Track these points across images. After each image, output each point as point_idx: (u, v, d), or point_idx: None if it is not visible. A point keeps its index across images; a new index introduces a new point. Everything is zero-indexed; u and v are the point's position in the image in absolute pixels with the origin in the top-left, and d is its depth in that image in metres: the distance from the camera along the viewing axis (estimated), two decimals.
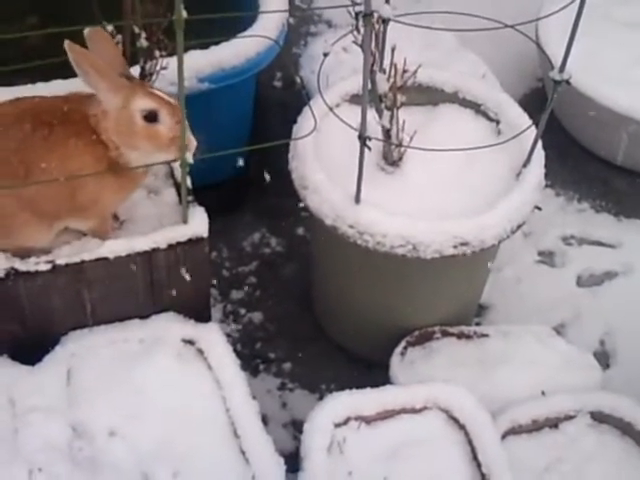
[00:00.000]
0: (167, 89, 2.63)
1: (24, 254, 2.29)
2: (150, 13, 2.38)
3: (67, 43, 2.10)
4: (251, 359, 2.98)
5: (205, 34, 2.60)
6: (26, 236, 2.29)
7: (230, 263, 3.24)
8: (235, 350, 2.48)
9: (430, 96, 2.87)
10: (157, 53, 2.43)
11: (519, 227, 2.57)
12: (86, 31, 2.18)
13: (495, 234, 2.52)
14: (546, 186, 2.71)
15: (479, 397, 2.47)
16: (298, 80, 3.33)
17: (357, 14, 2.14)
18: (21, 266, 2.27)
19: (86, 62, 2.14)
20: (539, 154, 2.65)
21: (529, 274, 3.27)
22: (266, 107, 3.65)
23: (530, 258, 3.33)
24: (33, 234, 2.29)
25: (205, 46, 2.84)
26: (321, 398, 2.81)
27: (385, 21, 2.48)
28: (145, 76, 2.43)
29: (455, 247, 2.48)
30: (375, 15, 2.15)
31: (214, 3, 3.36)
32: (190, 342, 2.45)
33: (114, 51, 2.23)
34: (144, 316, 2.49)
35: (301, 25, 4.16)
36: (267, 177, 3.03)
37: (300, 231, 3.36)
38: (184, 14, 1.95)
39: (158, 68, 2.41)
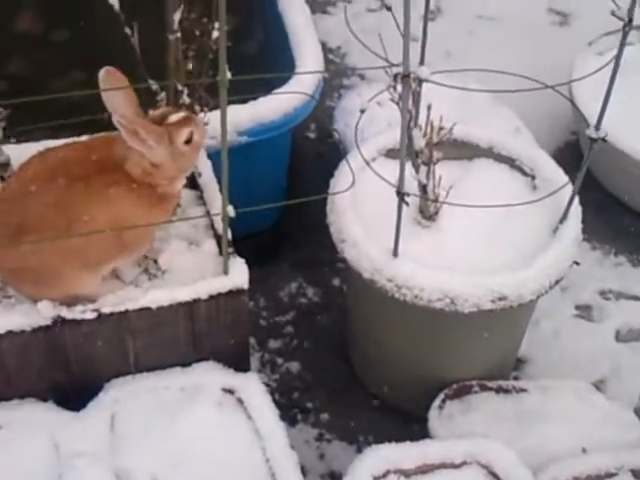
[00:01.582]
0: (207, 142, 2.71)
1: (71, 302, 2.34)
2: (193, 70, 2.45)
3: (118, 116, 2.15)
4: (289, 409, 3.00)
5: (244, 89, 2.67)
6: (73, 285, 2.33)
7: (267, 312, 3.28)
8: (273, 399, 2.49)
9: (465, 151, 2.91)
10: (198, 108, 2.50)
11: (557, 282, 2.58)
12: (101, 73, 2.21)
13: (533, 289, 2.54)
14: (582, 240, 2.72)
15: (518, 453, 2.46)
16: (336, 136, 3.38)
17: (395, 75, 2.18)
18: (67, 314, 2.31)
19: (136, 124, 2.20)
20: (576, 209, 2.67)
21: (567, 328, 3.26)
22: (301, 158, 3.70)
23: (568, 312, 3.32)
24: (80, 282, 2.34)
25: (244, 100, 2.92)
26: (359, 450, 2.83)
27: (421, 80, 2.53)
28: None
29: (493, 302, 2.50)
30: (412, 76, 2.20)
31: (252, 58, 3.46)
32: (230, 391, 2.48)
33: (129, 92, 2.25)
34: (185, 364, 2.52)
35: (334, 78, 4.22)
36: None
37: (336, 281, 3.39)
38: (228, 75, 2.02)
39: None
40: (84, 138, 2.44)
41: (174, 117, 2.29)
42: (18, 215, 2.25)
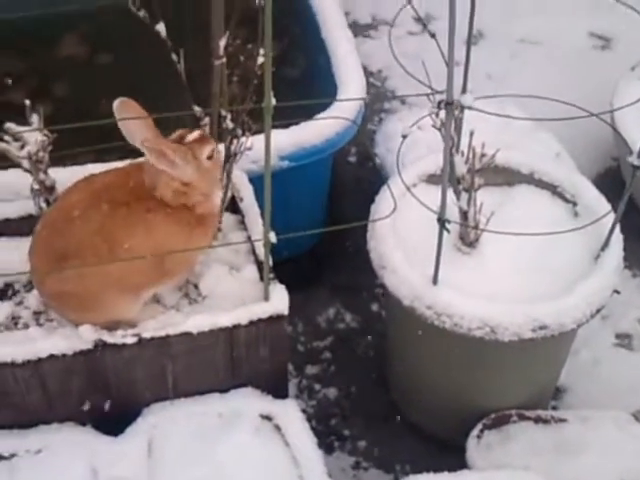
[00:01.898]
0: (249, 167, 2.74)
1: (112, 327, 2.35)
2: (237, 95, 2.46)
3: (143, 141, 2.19)
4: (326, 436, 2.99)
5: (286, 113, 2.68)
6: (114, 309, 2.35)
7: (305, 338, 3.28)
8: (310, 426, 2.49)
9: (506, 177, 2.90)
10: (240, 132, 2.50)
11: (598, 311, 2.56)
12: (115, 104, 2.24)
13: (574, 318, 2.52)
14: (623, 267, 2.70)
15: None
16: (377, 161, 3.38)
17: (439, 103, 2.18)
18: (109, 338, 2.33)
19: (161, 144, 2.23)
20: (617, 237, 2.65)
21: (607, 357, 3.23)
22: (341, 181, 3.71)
23: (608, 341, 3.29)
24: (121, 307, 2.36)
25: (286, 125, 2.92)
26: (396, 479, 2.82)
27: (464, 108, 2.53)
28: (230, 156, 2.50)
29: (534, 330, 2.48)
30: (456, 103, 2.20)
31: (295, 82, 3.47)
32: (268, 418, 2.48)
33: (147, 120, 2.28)
34: (223, 390, 2.53)
35: (375, 101, 4.23)
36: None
37: (375, 307, 3.38)
38: (273, 101, 2.03)
39: (243, 149, 2.48)
40: (125, 163, 2.47)
41: (191, 136, 2.33)
42: (61, 241, 2.28)
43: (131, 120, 2.24)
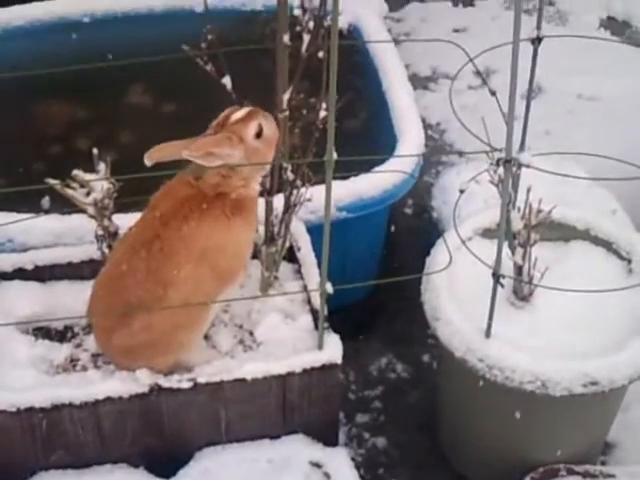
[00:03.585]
0: (307, 217, 2.78)
1: (168, 371, 2.40)
2: (297, 145, 2.51)
3: (185, 154, 2.22)
4: None
5: (345, 165, 2.73)
6: (185, 343, 2.41)
7: (356, 386, 3.29)
8: (359, 475, 2.52)
9: (562, 233, 2.92)
10: (299, 182, 2.55)
11: None
12: (146, 157, 2.27)
13: (626, 374, 2.52)
14: None
15: None
16: (434, 215, 3.41)
17: (497, 160, 2.22)
18: (164, 383, 2.38)
19: (203, 146, 2.24)
20: None
21: None
22: (397, 231, 3.74)
23: None
24: (193, 335, 2.42)
25: (345, 176, 2.97)
26: None
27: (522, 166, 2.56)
28: (289, 206, 2.55)
29: (585, 386, 2.49)
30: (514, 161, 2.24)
31: (355, 134, 3.53)
32: (317, 465, 2.51)
33: (169, 144, 2.31)
34: (274, 436, 2.56)
35: (433, 154, 4.27)
36: None
37: (426, 358, 3.39)
38: (335, 155, 2.08)
39: (302, 200, 2.52)
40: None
41: (237, 115, 2.33)
42: (119, 298, 2.35)
43: (168, 153, 2.27)
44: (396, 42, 4.53)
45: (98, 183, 2.40)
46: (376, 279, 3.34)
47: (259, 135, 2.34)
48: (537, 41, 2.44)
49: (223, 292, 2.42)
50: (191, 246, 2.33)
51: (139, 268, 2.33)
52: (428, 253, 2.83)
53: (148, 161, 2.25)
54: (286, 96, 2.37)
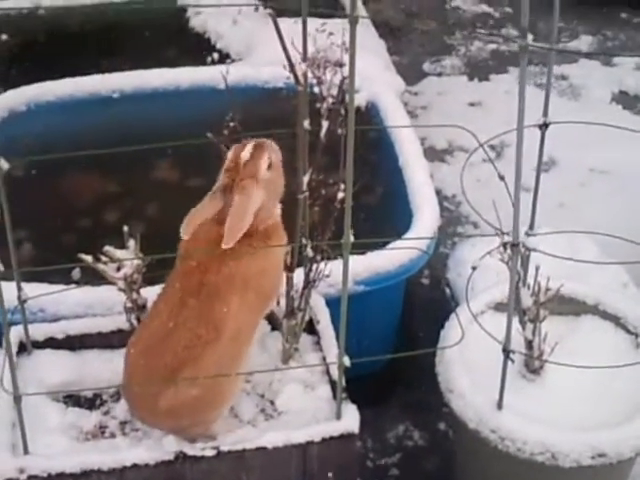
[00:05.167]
0: (326, 290, 2.88)
1: (193, 438, 2.49)
2: (316, 222, 2.63)
3: (226, 247, 2.30)
4: None
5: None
6: (232, 387, 2.50)
7: (374, 454, 3.36)
8: None
9: (572, 307, 3.01)
10: (318, 257, 2.66)
11: None
12: (182, 233, 2.36)
13: (633, 447, 2.60)
14: None
15: None
16: (447, 291, 3.52)
17: (505, 244, 2.33)
18: (189, 450, 2.45)
19: (240, 225, 2.33)
20: None
21: None
22: (414, 302, 3.83)
23: None
24: (242, 368, 2.50)
25: (362, 252, 3.08)
26: None
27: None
28: (309, 282, 2.67)
29: (593, 458, 2.56)
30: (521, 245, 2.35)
31: (372, 208, 3.65)
32: None
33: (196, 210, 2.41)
34: None
35: (449, 225, 4.38)
36: None
37: (442, 426, 3.45)
38: (351, 238, 2.19)
39: (321, 275, 2.64)
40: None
41: (245, 154, 2.39)
42: (165, 357, 2.40)
43: (200, 221, 2.38)
44: (412, 116, 4.69)
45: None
46: (394, 348, 3.43)
47: (269, 166, 2.43)
48: (544, 127, 2.54)
49: (266, 311, 2.55)
50: (234, 282, 2.41)
51: (190, 317, 2.39)
52: (444, 325, 2.93)
53: (186, 236, 2.37)
54: (306, 178, 2.48)
